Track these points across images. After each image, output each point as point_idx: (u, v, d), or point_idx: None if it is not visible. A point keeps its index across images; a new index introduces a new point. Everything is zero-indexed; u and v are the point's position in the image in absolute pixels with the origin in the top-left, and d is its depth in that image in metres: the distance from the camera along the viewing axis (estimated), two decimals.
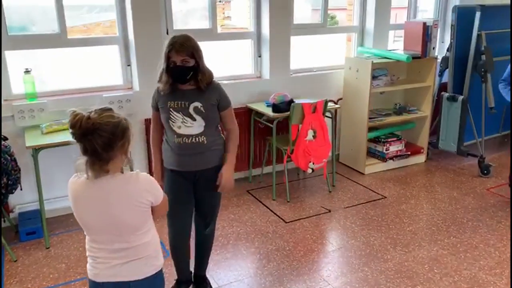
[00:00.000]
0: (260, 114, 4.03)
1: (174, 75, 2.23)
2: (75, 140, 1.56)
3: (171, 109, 2.30)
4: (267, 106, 4.03)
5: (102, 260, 1.69)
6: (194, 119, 2.30)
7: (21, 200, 3.54)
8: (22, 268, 2.97)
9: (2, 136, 3.08)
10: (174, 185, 2.43)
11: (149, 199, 1.67)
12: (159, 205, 1.75)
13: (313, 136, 3.78)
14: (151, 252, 1.74)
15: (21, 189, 3.19)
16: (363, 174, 4.53)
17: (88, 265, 1.74)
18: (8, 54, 3.39)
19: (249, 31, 4.29)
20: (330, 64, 4.76)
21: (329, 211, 3.75)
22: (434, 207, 3.82)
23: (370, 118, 4.46)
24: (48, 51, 3.59)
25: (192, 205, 2.51)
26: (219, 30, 4.13)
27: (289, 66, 4.42)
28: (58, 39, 3.49)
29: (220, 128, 2.48)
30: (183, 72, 2.22)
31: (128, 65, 3.81)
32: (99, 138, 1.53)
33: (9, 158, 2.98)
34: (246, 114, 4.22)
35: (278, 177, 4.09)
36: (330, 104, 4.09)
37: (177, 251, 2.61)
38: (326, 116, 4.09)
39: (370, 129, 4.52)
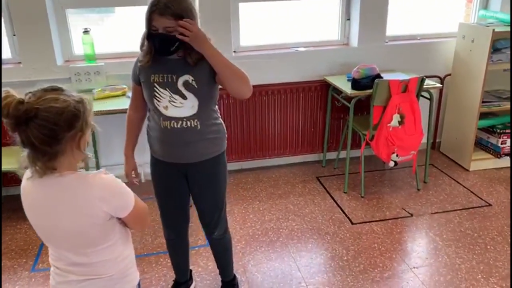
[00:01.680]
0: (339, 90, 3.39)
1: (155, 44, 1.76)
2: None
3: (155, 84, 1.83)
4: (348, 80, 3.37)
5: (60, 271, 1.38)
6: (185, 97, 1.82)
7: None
8: None
9: None
10: (162, 177, 2.03)
11: (105, 210, 1.28)
12: (128, 218, 1.35)
13: (399, 121, 3.06)
14: (115, 273, 1.38)
15: None
16: (467, 170, 3.66)
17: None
18: (69, 13, 3.24)
19: None
20: (438, 31, 3.85)
21: (411, 215, 3.06)
22: None
23: (484, 102, 3.52)
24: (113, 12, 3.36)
25: (186, 198, 2.10)
26: None
27: (385, 31, 3.65)
28: None
29: (217, 109, 1.99)
30: (167, 42, 1.72)
31: None
32: (36, 129, 1.16)
33: None
34: (323, 89, 3.61)
35: (356, 165, 3.47)
36: (429, 82, 3.28)
37: (173, 251, 2.27)
38: (423, 97, 3.30)
39: (483, 115, 3.59)
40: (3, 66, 3.17)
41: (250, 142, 3.67)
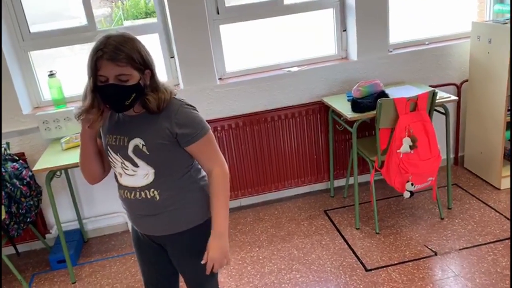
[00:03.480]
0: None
1: (106, 99, 1.39)
2: None
3: (108, 147, 1.50)
4: (349, 100, 2.96)
5: None
6: (136, 165, 1.47)
7: (61, 218, 3.16)
8: None
9: (14, 157, 2.66)
10: (136, 245, 1.71)
11: None
12: None
13: (410, 146, 2.63)
14: None
15: (36, 217, 2.76)
16: (497, 189, 3.18)
17: None
18: (33, 55, 2.95)
19: None
20: (449, 33, 3.40)
21: (435, 253, 2.60)
22: None
23: (510, 110, 3.05)
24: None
25: (169, 270, 1.73)
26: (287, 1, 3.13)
27: (388, 39, 3.23)
28: (86, 32, 2.93)
29: (194, 170, 1.59)
30: (120, 94, 1.37)
31: (172, 57, 3.09)
32: None
33: (17, 183, 2.53)
34: (323, 111, 3.21)
35: (369, 192, 3.04)
36: (442, 95, 2.84)
37: None
38: (438, 112, 2.87)
39: (511, 124, 3.12)
40: None
41: (247, 176, 3.29)
